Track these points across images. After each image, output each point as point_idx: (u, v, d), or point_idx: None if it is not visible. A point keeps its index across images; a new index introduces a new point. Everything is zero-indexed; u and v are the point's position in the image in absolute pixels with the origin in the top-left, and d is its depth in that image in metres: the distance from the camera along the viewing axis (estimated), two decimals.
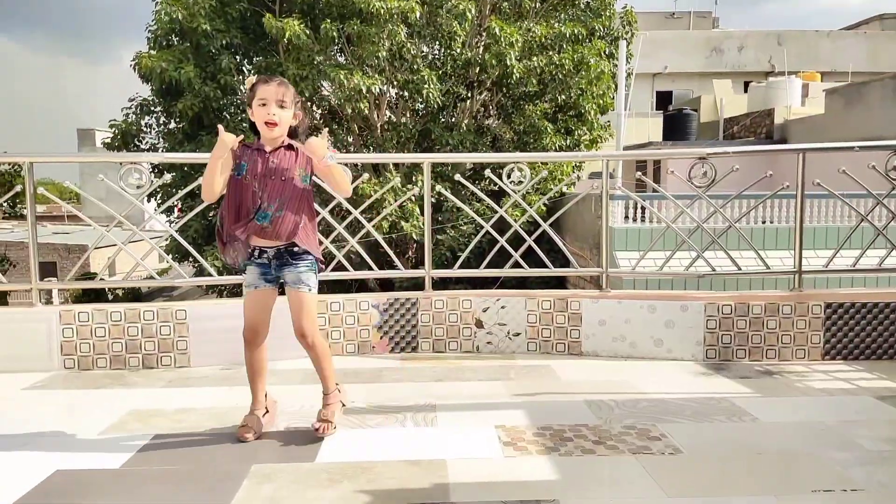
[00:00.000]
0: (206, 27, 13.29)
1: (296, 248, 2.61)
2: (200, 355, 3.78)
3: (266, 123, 2.52)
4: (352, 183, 4.06)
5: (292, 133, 2.65)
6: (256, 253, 2.63)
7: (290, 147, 2.61)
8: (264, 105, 2.51)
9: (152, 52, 13.99)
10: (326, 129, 2.64)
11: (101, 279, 4.44)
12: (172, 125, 15.07)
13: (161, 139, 15.20)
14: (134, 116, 14.86)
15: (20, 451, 2.55)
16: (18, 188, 3.88)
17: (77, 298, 16.76)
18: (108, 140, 15.08)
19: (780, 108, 20.17)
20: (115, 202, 3.95)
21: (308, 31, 13.11)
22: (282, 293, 2.74)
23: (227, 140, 2.51)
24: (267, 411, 2.77)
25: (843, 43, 28.23)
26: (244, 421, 2.68)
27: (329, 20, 13.25)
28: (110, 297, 17.73)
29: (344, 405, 2.85)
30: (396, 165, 14.15)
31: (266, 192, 2.54)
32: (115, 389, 3.39)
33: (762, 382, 3.46)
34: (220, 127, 2.56)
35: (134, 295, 18.49)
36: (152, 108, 14.96)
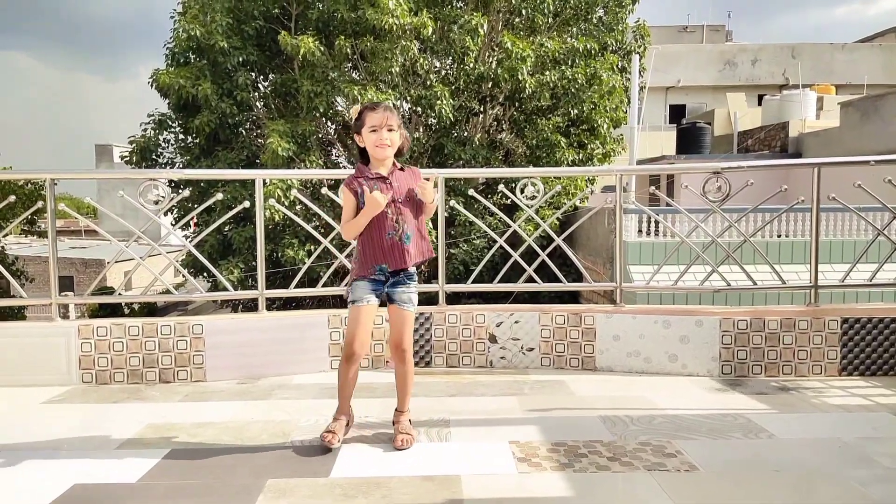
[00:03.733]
0: (224, 44, 13.49)
1: (410, 269, 2.73)
2: (216, 370, 3.81)
3: (378, 147, 2.67)
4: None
5: (398, 153, 2.78)
6: (372, 269, 2.70)
7: (401, 168, 2.76)
8: (375, 131, 2.66)
9: (170, 68, 14.21)
10: (433, 181, 2.76)
11: (119, 294, 4.49)
12: (189, 141, 15.27)
13: (178, 154, 15.40)
14: (152, 132, 15.08)
15: (39, 464, 2.58)
16: (40, 204, 3.95)
17: (93, 312, 16.92)
18: (126, 155, 15.29)
19: (794, 121, 20.09)
20: (132, 217, 4.01)
21: (322, 48, 13.27)
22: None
23: (382, 203, 2.64)
24: (348, 422, 2.83)
25: (857, 55, 28.10)
26: (333, 428, 2.72)
27: (343, 37, 13.41)
28: (126, 311, 17.87)
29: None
30: None
31: (402, 215, 2.69)
32: (132, 403, 3.42)
33: (778, 398, 3.43)
34: (376, 194, 2.65)
35: (149, 309, 18.62)
36: (170, 124, 15.18)
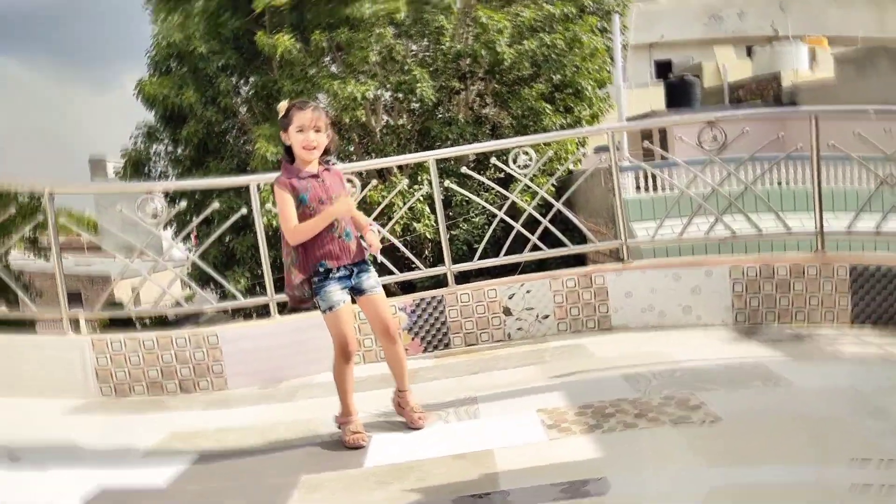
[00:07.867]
0: (202, 49, 13.37)
1: (365, 257, 2.80)
2: (237, 376, 3.79)
3: (304, 149, 2.65)
4: (360, 191, 4.12)
5: (325, 152, 2.77)
6: (334, 269, 2.69)
7: (326, 169, 2.77)
8: (301, 131, 2.64)
9: (153, 78, 14.12)
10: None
11: (128, 308, 4.49)
12: (179, 153, 15.19)
13: (170, 167, 15.33)
14: (142, 145, 14.99)
15: (64, 471, 2.57)
16: (40, 218, 3.89)
17: (104, 327, 16.91)
18: (120, 170, 15.25)
19: (786, 71, 19.77)
20: (132, 232, 3.97)
21: (299, 45, 13.14)
22: None
23: (353, 206, 2.77)
24: None
25: (850, 9, 27.33)
26: (357, 428, 2.71)
27: (318, 31, 13.27)
28: (138, 326, 17.88)
29: None
30: (400, 168, 14.13)
31: None
32: (154, 413, 3.43)
33: (794, 347, 3.41)
34: (344, 199, 2.69)
35: (161, 323, 18.66)
36: (159, 136, 15.09)
